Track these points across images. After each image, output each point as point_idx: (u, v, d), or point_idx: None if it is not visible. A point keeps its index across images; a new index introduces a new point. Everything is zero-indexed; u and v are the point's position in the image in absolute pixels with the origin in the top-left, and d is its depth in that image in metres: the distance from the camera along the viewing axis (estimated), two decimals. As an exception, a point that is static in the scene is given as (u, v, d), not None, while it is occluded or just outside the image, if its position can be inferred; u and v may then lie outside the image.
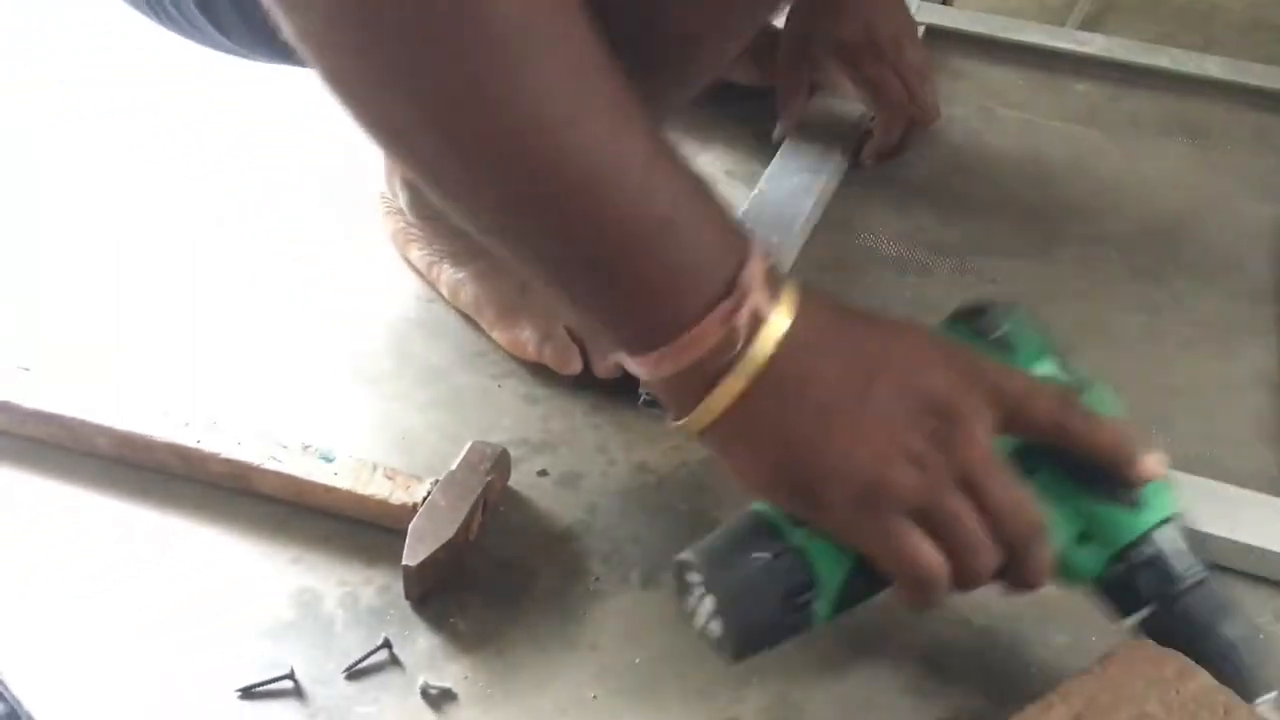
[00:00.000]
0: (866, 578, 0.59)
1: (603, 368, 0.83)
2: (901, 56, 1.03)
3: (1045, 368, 0.62)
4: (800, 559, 0.58)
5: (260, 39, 0.71)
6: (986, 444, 0.57)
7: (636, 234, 0.54)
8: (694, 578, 0.60)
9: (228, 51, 0.81)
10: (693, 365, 0.55)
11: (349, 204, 0.98)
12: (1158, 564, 0.60)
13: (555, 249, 0.55)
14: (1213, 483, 0.76)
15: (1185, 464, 0.79)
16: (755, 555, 0.58)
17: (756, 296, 0.54)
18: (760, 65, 1.10)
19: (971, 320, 0.63)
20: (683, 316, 0.54)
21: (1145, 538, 0.59)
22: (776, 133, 1.06)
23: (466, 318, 0.89)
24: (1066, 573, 0.60)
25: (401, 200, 0.92)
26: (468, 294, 0.88)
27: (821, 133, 1.06)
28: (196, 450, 0.74)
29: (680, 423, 0.58)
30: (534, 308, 0.85)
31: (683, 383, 0.56)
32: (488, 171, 0.53)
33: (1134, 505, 0.59)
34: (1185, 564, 0.60)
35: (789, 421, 0.56)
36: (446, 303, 0.90)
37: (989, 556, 0.57)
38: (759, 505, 0.60)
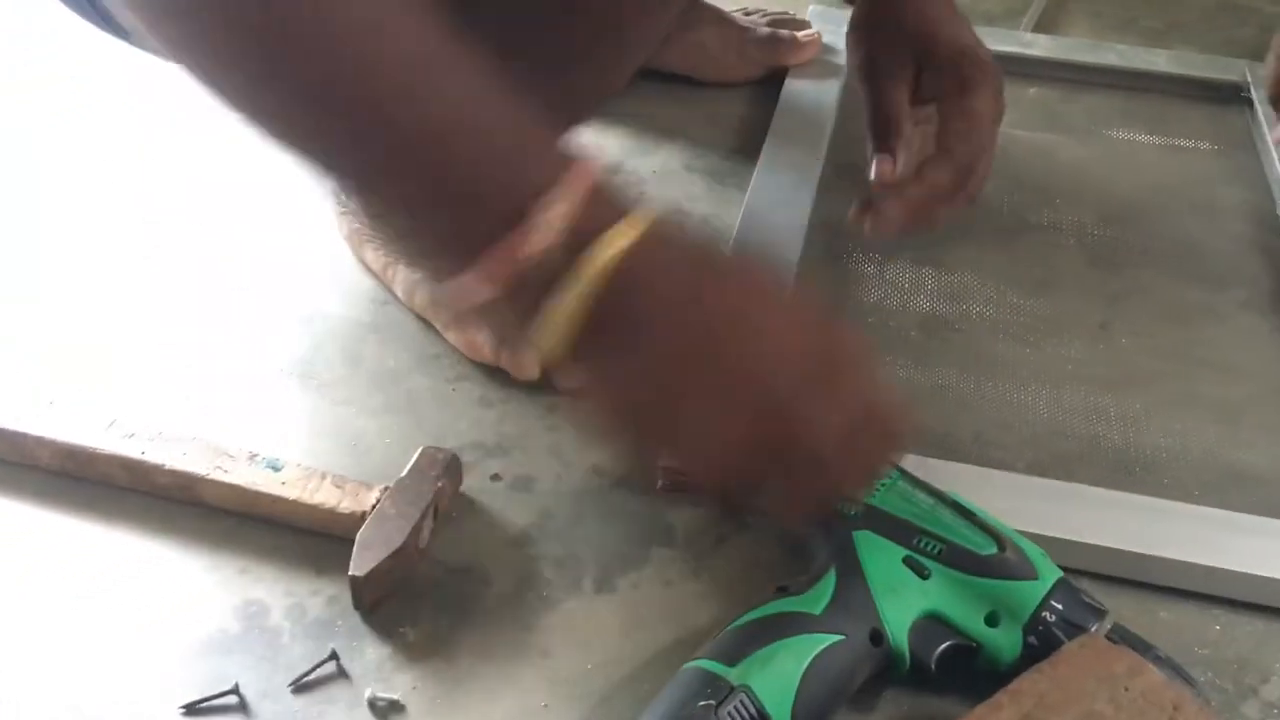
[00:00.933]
0: (814, 697, 0.59)
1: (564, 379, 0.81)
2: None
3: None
4: (746, 694, 0.58)
5: None
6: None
7: (457, 119, 0.54)
8: None
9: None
10: (525, 270, 0.54)
11: (303, 205, 0.97)
12: (1070, 618, 0.62)
13: (376, 142, 0.54)
14: (1157, 501, 0.74)
15: (1146, 453, 0.79)
16: (702, 704, 0.58)
17: (583, 190, 0.54)
18: (714, 60, 1.09)
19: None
20: (508, 208, 0.54)
21: (1047, 601, 0.62)
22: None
23: (422, 320, 0.88)
24: (990, 658, 0.62)
25: (354, 201, 0.90)
26: (423, 296, 0.87)
27: (800, 136, 1.02)
28: (141, 462, 0.73)
29: (533, 344, 0.57)
30: (491, 311, 0.84)
31: (525, 296, 0.55)
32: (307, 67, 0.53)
33: (1031, 575, 0.62)
34: (1092, 611, 0.63)
35: (646, 340, 0.56)
36: (401, 304, 0.89)
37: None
38: (691, 662, 0.60)
